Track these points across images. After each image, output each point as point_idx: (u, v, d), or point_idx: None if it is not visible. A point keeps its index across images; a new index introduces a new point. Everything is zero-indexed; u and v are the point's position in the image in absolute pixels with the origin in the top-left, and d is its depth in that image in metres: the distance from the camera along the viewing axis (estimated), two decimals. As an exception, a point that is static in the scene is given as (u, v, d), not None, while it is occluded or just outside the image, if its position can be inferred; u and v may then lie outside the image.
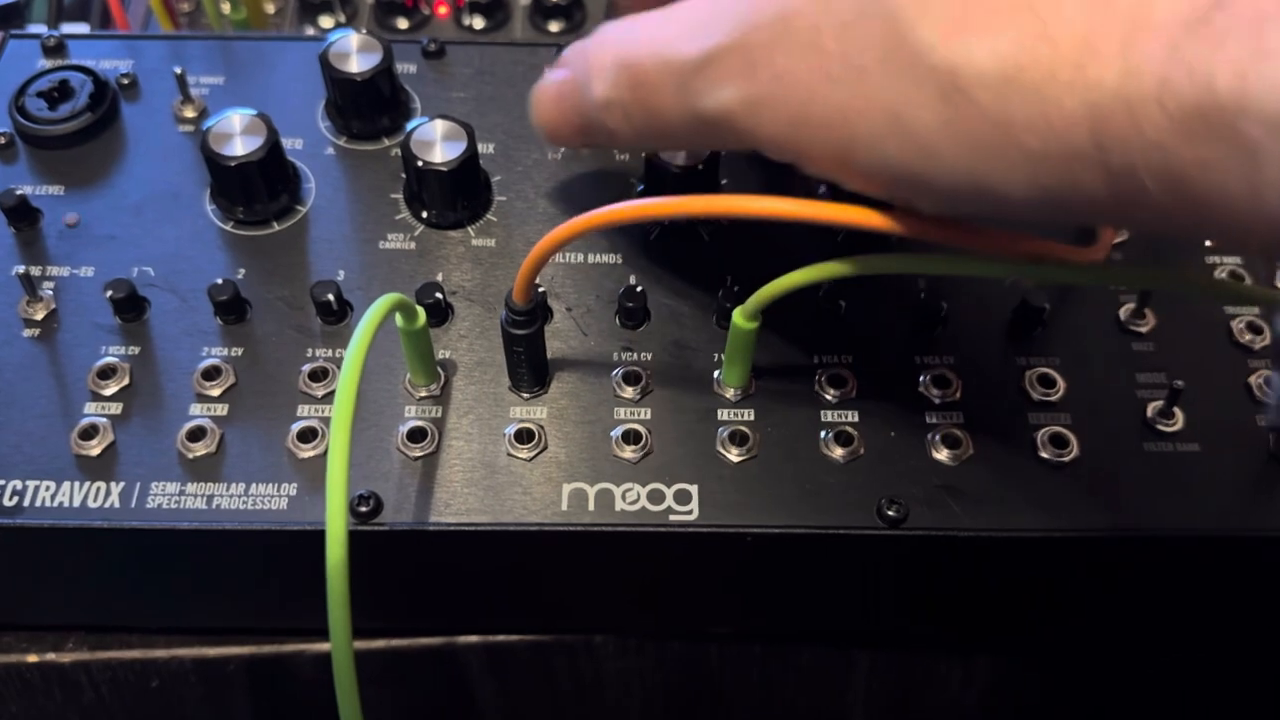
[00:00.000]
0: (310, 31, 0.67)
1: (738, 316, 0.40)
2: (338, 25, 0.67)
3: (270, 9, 0.68)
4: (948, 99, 0.28)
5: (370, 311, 0.35)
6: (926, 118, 0.28)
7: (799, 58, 0.30)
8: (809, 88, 0.30)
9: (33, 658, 0.47)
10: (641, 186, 0.48)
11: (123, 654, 0.47)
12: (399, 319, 0.39)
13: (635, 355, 0.44)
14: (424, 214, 0.47)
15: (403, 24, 0.67)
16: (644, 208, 0.36)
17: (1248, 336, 0.45)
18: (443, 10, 0.68)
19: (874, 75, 0.29)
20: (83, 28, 0.74)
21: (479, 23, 0.67)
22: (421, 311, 0.40)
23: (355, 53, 0.48)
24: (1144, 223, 0.28)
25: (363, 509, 0.39)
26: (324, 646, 0.47)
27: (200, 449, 0.41)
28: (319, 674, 0.48)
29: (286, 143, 0.48)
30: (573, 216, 0.46)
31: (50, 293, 0.45)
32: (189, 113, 0.51)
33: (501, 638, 0.48)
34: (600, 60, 0.36)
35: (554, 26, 0.67)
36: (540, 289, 0.45)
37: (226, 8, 0.64)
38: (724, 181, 0.48)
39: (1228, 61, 0.24)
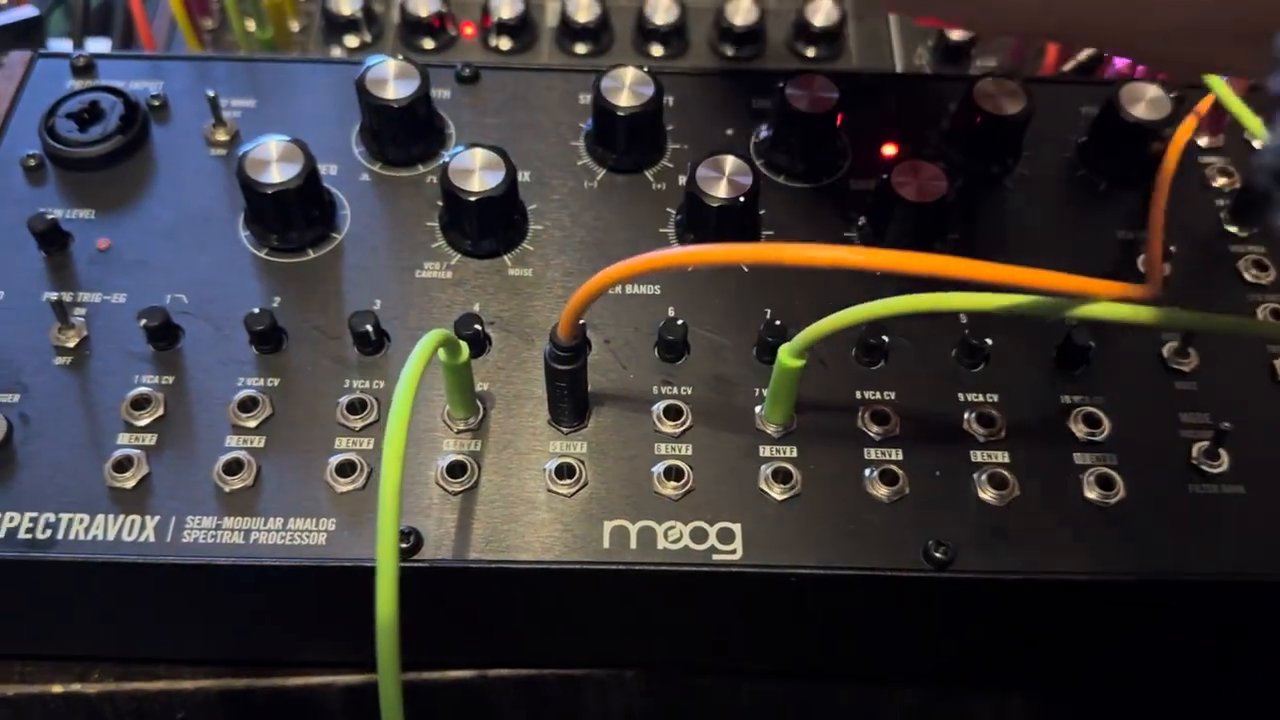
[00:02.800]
0: (336, 51, 0.66)
1: (784, 355, 0.40)
2: (363, 45, 0.66)
3: (295, 27, 0.68)
4: None
5: (416, 351, 0.35)
6: None
7: None
8: None
9: (58, 688, 0.46)
10: (679, 216, 0.48)
11: (149, 685, 0.46)
12: (442, 354, 0.39)
13: (675, 389, 0.44)
14: (461, 242, 0.47)
15: (429, 44, 0.67)
16: (698, 254, 0.36)
17: (1292, 376, 0.45)
18: (469, 31, 0.68)
19: None
20: (104, 43, 0.74)
21: (505, 44, 0.67)
22: (465, 346, 0.39)
23: (393, 79, 0.47)
24: None
25: (404, 545, 0.39)
26: (353, 679, 0.47)
27: (237, 482, 0.40)
28: (346, 706, 0.47)
29: (320, 168, 0.47)
30: (609, 246, 0.47)
31: (82, 319, 0.44)
32: (221, 135, 0.50)
33: (533, 671, 0.47)
34: None
35: (580, 48, 0.67)
36: (581, 322, 0.44)
37: (253, 26, 0.64)
38: (762, 212, 0.48)
39: None
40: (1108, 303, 0.36)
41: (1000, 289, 0.35)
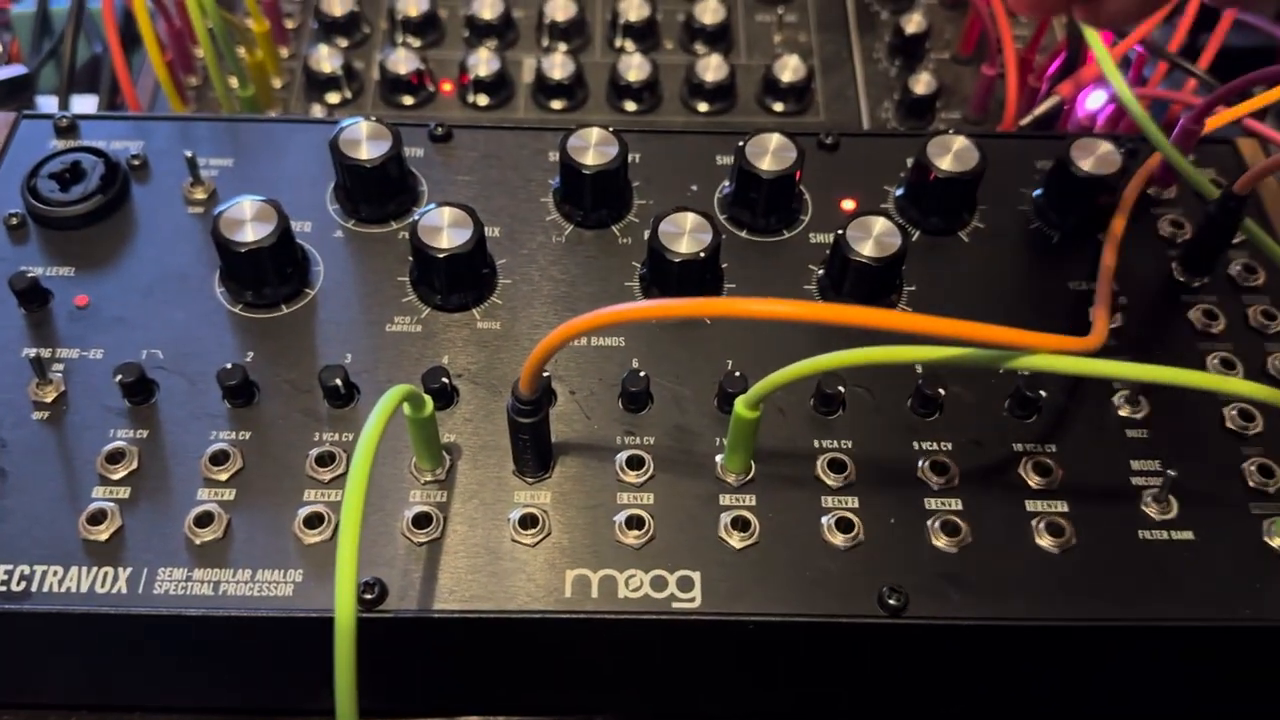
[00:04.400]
0: (316, 107, 0.68)
1: (740, 406, 0.41)
2: (344, 101, 0.68)
3: (277, 84, 0.69)
4: None
5: (378, 408, 0.36)
6: None
7: None
8: None
9: (34, 737, 0.47)
10: (644, 271, 0.49)
11: (124, 733, 0.47)
12: (407, 408, 0.40)
13: (638, 439, 0.45)
14: (431, 297, 0.48)
15: (408, 101, 0.68)
16: (652, 309, 0.37)
17: (1240, 423, 0.46)
18: (447, 88, 0.70)
19: None
20: (91, 100, 0.76)
21: (483, 100, 0.69)
22: (429, 401, 0.41)
23: (365, 140, 0.49)
24: None
25: (368, 596, 0.40)
26: (325, 727, 0.47)
27: (208, 534, 0.41)
28: (319, 754, 0.48)
29: (295, 225, 0.49)
30: (575, 300, 0.48)
31: (60, 375, 0.45)
32: (199, 194, 0.51)
33: (501, 719, 0.48)
34: None
35: (556, 104, 0.69)
36: (545, 374, 0.45)
37: (235, 84, 0.65)
38: (725, 265, 0.49)
39: None
40: (1047, 355, 0.37)
41: (944, 342, 0.36)
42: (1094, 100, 0.64)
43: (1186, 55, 0.62)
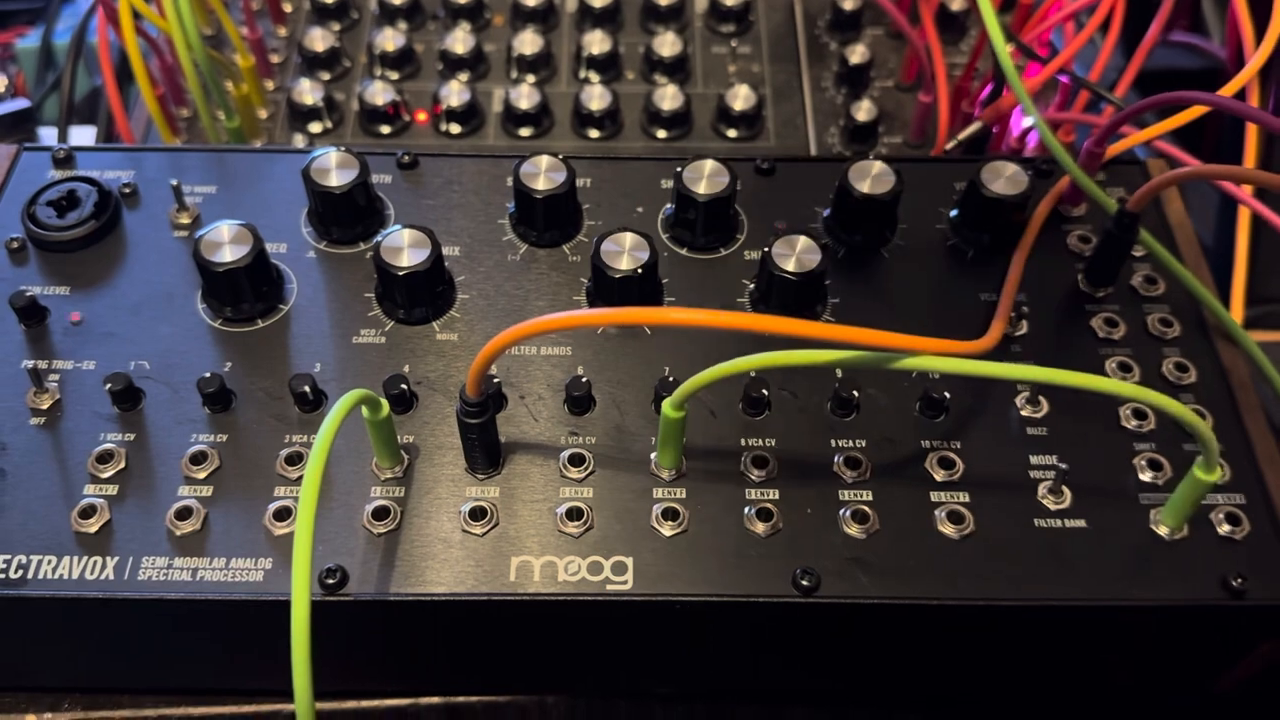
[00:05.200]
0: (299, 137, 0.73)
1: (666, 407, 0.45)
2: (325, 131, 0.73)
3: (263, 115, 0.74)
4: None
5: (333, 410, 0.40)
6: None
7: None
8: None
9: (31, 717, 0.51)
10: (589, 285, 0.54)
11: (114, 713, 0.51)
12: (365, 411, 0.44)
13: (581, 439, 0.49)
14: (394, 311, 0.53)
15: (385, 130, 0.73)
16: (576, 318, 0.41)
17: (1133, 422, 0.50)
18: (422, 117, 0.74)
19: None
20: (91, 130, 0.80)
21: (455, 129, 0.73)
22: (385, 404, 0.45)
23: (334, 168, 0.53)
24: None
25: (330, 581, 0.44)
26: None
27: (187, 527, 0.46)
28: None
29: (271, 247, 0.53)
30: (528, 313, 0.53)
31: (55, 384, 0.50)
32: (184, 219, 0.56)
33: (461, 698, 0.52)
34: None
35: (524, 132, 0.73)
36: (495, 379, 0.50)
37: (222, 115, 0.70)
38: (665, 280, 0.54)
39: None
40: (934, 356, 0.41)
41: (839, 346, 0.40)
42: (1026, 122, 0.68)
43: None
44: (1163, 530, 0.47)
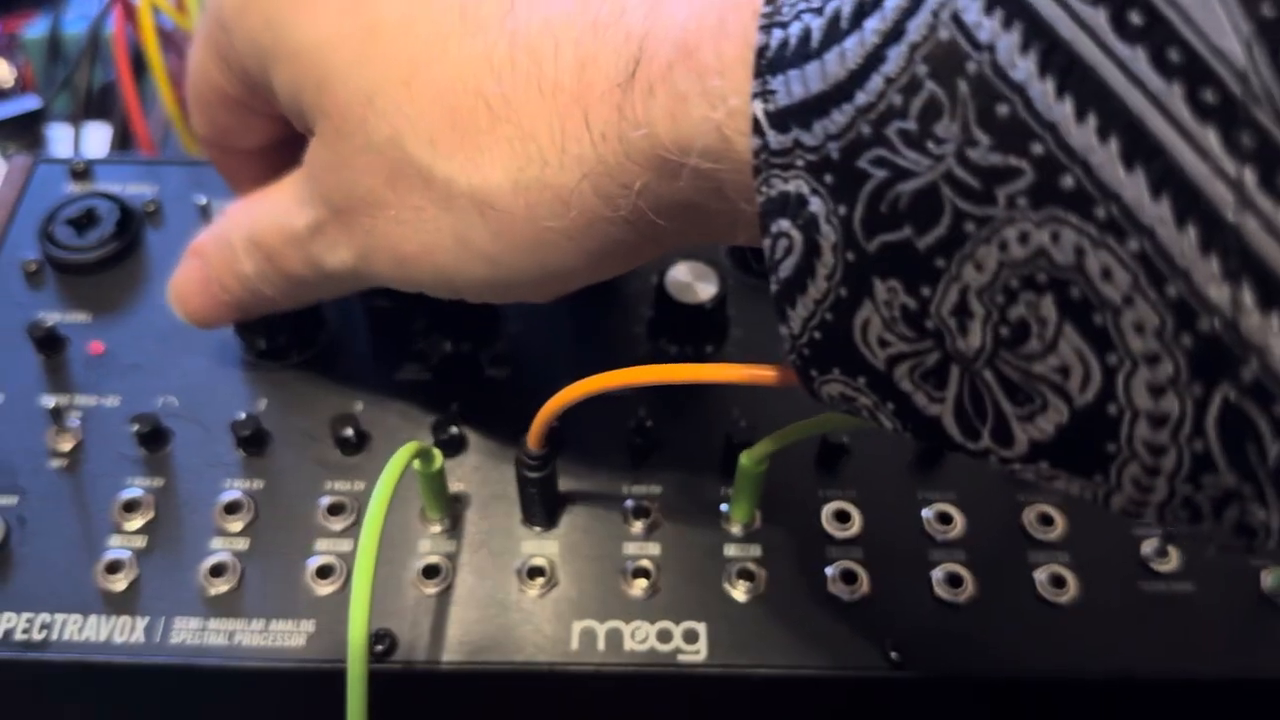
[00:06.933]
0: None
1: (745, 460, 0.41)
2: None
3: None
4: (484, 214, 0.32)
5: (389, 466, 0.37)
6: (481, 234, 0.33)
7: (376, 213, 0.35)
8: (393, 234, 0.35)
9: (51, 780, 0.47)
10: (651, 315, 0.50)
11: (139, 776, 0.48)
12: (417, 464, 0.41)
13: (644, 489, 0.45)
14: (440, 344, 0.49)
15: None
16: (660, 373, 0.37)
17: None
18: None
19: (429, 212, 0.33)
20: (105, 129, 0.76)
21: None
22: (439, 454, 0.41)
23: (376, 188, 0.49)
24: (672, 244, 0.33)
25: (378, 648, 0.41)
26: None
27: (222, 585, 0.42)
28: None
29: (308, 272, 0.49)
30: (582, 347, 0.49)
31: (77, 423, 0.46)
32: (213, 239, 0.52)
33: (510, 763, 0.49)
34: (238, 239, 0.40)
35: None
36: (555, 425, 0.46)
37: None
38: (731, 314, 0.50)
39: (659, 109, 0.28)
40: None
41: None
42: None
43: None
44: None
